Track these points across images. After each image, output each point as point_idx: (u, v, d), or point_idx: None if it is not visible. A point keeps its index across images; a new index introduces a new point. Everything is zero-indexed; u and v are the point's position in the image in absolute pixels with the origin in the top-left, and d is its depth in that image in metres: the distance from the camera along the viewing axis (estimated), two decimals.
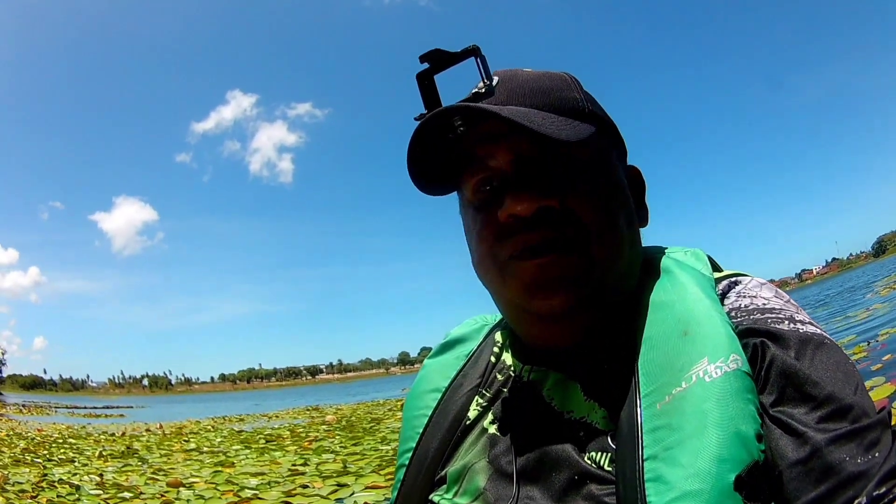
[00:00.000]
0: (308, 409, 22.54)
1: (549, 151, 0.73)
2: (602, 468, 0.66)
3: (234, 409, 31.37)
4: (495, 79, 0.75)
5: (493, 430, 0.81)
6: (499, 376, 0.87)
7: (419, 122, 0.72)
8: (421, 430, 0.88)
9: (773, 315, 0.69)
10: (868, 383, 5.19)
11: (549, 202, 0.71)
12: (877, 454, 0.54)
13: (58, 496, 5.68)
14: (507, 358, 0.88)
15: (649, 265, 0.81)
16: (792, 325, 0.67)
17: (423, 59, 0.75)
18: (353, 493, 5.46)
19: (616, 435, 0.66)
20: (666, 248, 0.86)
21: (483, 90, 0.74)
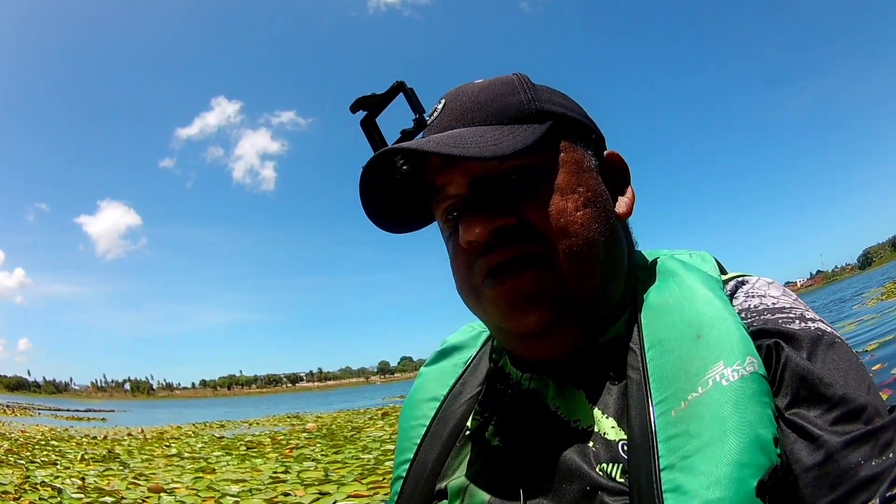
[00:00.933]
0: (289, 417, 22.29)
1: (499, 168, 0.71)
2: (614, 479, 0.64)
3: (215, 415, 30.98)
4: (441, 103, 0.76)
5: (495, 440, 0.78)
6: (499, 385, 0.85)
7: (361, 170, 0.71)
8: (419, 441, 0.85)
9: (784, 315, 0.68)
10: None
11: (503, 221, 0.70)
12: (891, 455, 0.54)
13: (40, 499, 5.66)
14: (506, 366, 0.86)
15: (649, 267, 0.79)
16: (803, 324, 0.66)
17: (353, 108, 0.77)
18: (335, 502, 5.42)
19: (628, 444, 0.64)
20: (669, 251, 0.83)
21: (413, 126, 0.75)
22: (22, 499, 5.60)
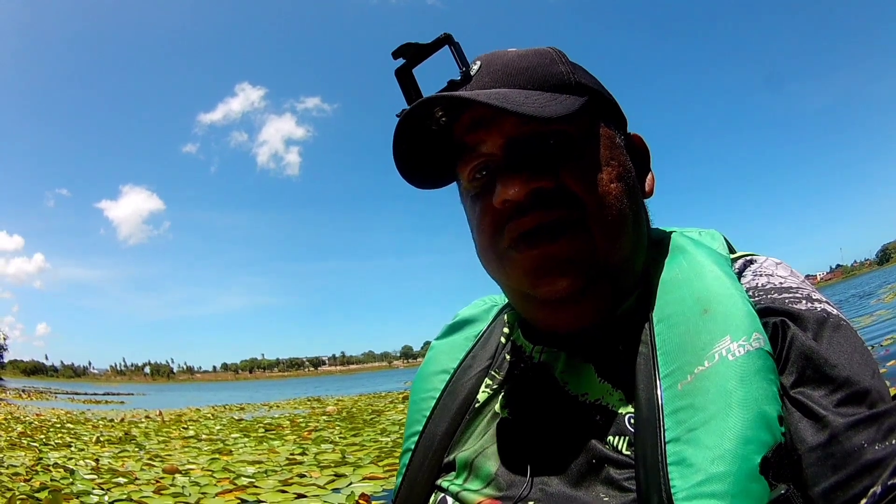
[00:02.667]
0: (309, 400, 22.70)
1: (539, 131, 0.71)
2: (620, 452, 0.64)
3: (235, 398, 31.57)
4: (476, 64, 0.74)
5: (504, 413, 0.79)
6: (509, 357, 0.85)
7: (399, 119, 0.71)
8: (428, 414, 0.86)
9: (791, 294, 0.68)
10: None
11: (541, 183, 0.69)
12: (894, 441, 0.54)
13: (51, 480, 5.62)
14: (518, 338, 0.86)
15: (662, 243, 0.79)
16: (810, 305, 0.66)
17: (395, 54, 0.75)
18: (350, 484, 5.40)
19: (635, 417, 0.64)
20: (679, 229, 0.84)
21: (460, 77, 0.73)
22: (33, 480, 5.58)
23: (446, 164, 0.79)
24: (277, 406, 20.33)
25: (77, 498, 4.89)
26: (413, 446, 0.85)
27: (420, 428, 0.85)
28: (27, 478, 5.67)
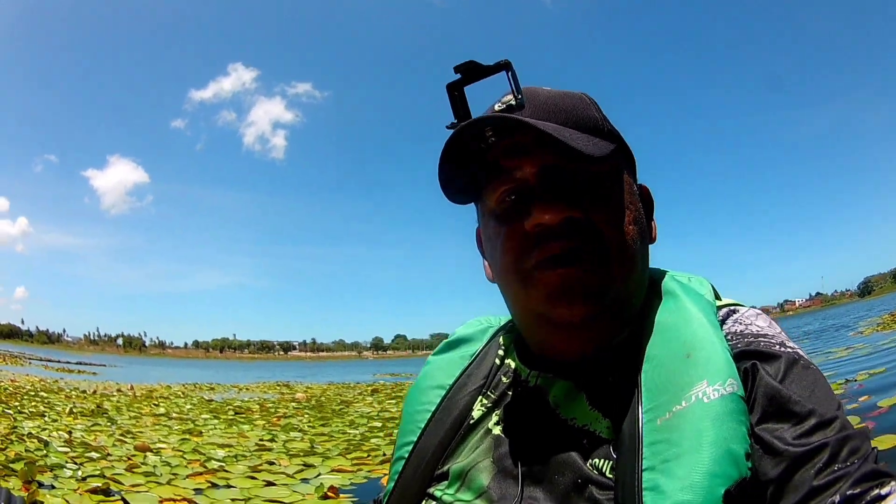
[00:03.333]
0: (279, 385, 22.48)
1: (573, 165, 0.76)
2: (604, 475, 0.69)
3: (205, 377, 31.21)
4: (516, 96, 0.77)
5: (497, 430, 0.83)
6: (504, 379, 0.89)
7: (453, 131, 0.75)
8: (423, 425, 0.89)
9: (766, 340, 0.74)
10: None
11: (575, 213, 0.74)
12: (855, 461, 0.59)
13: (26, 450, 5.68)
14: (512, 361, 0.90)
15: (655, 286, 0.85)
16: (782, 349, 0.72)
17: (457, 69, 0.76)
18: (319, 475, 5.48)
19: (618, 444, 0.70)
20: (671, 272, 0.89)
21: (515, 103, 0.76)
22: (8, 449, 5.63)
23: (471, 182, 0.83)
24: (247, 388, 20.13)
25: (51, 471, 4.94)
26: (407, 455, 0.88)
27: (414, 438, 0.88)
28: (2, 447, 5.73)
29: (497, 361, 0.92)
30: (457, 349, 0.99)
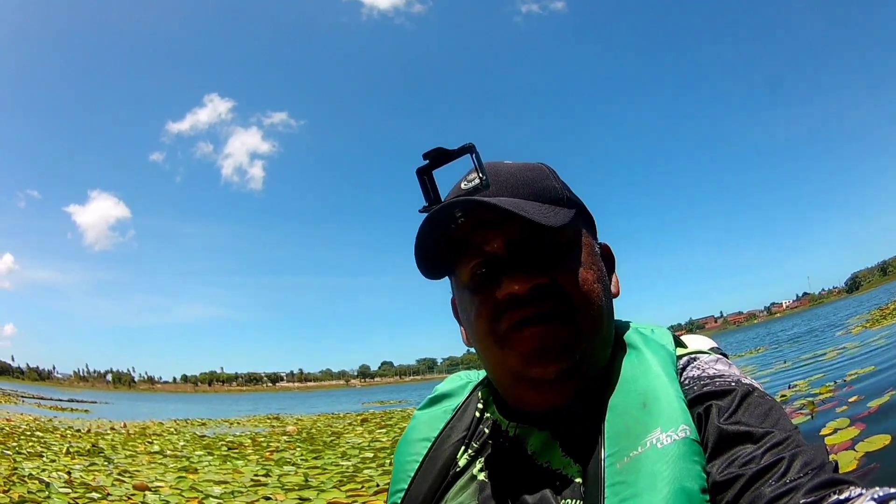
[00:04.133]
0: (269, 418, 22.22)
1: (536, 235, 0.82)
2: None
3: (196, 412, 30.73)
4: (479, 173, 0.83)
5: (482, 476, 0.89)
6: (485, 430, 0.95)
7: (427, 215, 0.81)
8: (412, 474, 0.95)
9: (721, 379, 0.80)
10: (832, 425, 5.36)
11: (541, 280, 0.80)
12: (809, 471, 0.63)
13: (28, 492, 5.75)
14: (491, 414, 0.97)
15: (619, 339, 0.91)
16: (736, 385, 0.78)
17: (426, 156, 0.83)
18: None
19: (585, 486, 0.77)
20: (633, 324, 0.96)
21: (479, 184, 0.82)
22: (11, 491, 5.71)
23: (444, 258, 0.88)
24: (238, 423, 19.92)
25: None
26: (399, 501, 0.95)
27: (405, 486, 0.95)
28: (6, 489, 5.81)
29: (477, 414, 0.98)
30: (440, 404, 1.06)
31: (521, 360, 0.82)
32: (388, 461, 8.10)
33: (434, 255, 0.87)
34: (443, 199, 0.85)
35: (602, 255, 0.94)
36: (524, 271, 0.80)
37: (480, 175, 0.82)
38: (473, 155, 0.81)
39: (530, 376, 0.83)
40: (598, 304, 0.84)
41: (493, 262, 0.84)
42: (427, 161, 0.83)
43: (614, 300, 0.93)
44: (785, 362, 13.94)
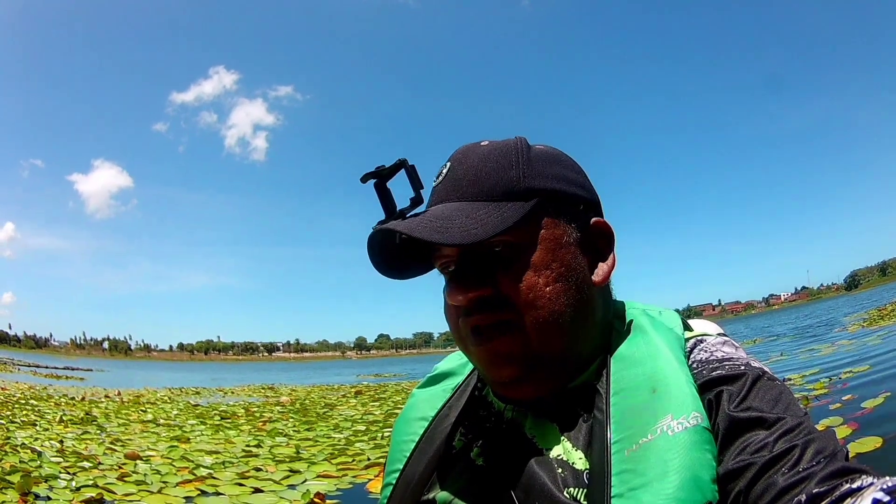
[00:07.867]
0: (263, 388, 22.26)
1: (485, 241, 0.77)
2: (578, 501, 0.73)
3: (191, 380, 30.85)
4: (447, 166, 0.84)
5: (480, 461, 0.87)
6: (482, 411, 0.93)
7: (368, 238, 0.82)
8: (408, 454, 0.93)
9: (730, 363, 0.78)
10: (825, 422, 5.32)
11: (480, 293, 0.78)
12: (821, 460, 0.62)
13: (20, 461, 5.74)
14: (489, 396, 0.94)
15: (626, 319, 0.88)
16: (746, 369, 0.76)
17: (364, 180, 0.83)
18: (305, 481, 5.56)
19: (590, 474, 0.74)
20: (641, 305, 0.92)
21: (411, 203, 0.81)
22: (3, 461, 5.71)
23: (426, 255, 0.87)
24: (232, 392, 20.00)
25: (46, 482, 5.07)
26: (394, 481, 0.93)
27: (401, 466, 0.93)
28: None
29: (476, 394, 0.96)
30: (440, 382, 1.03)
31: (479, 363, 0.84)
32: (379, 435, 8.15)
33: (409, 257, 0.87)
34: (423, 188, 0.83)
35: (594, 234, 0.86)
36: (465, 284, 0.79)
37: (414, 191, 0.81)
38: (406, 170, 0.81)
39: (492, 378, 0.83)
40: (548, 308, 0.78)
41: (450, 265, 0.84)
42: (374, 180, 0.84)
43: (615, 281, 0.89)
44: (781, 354, 13.93)
